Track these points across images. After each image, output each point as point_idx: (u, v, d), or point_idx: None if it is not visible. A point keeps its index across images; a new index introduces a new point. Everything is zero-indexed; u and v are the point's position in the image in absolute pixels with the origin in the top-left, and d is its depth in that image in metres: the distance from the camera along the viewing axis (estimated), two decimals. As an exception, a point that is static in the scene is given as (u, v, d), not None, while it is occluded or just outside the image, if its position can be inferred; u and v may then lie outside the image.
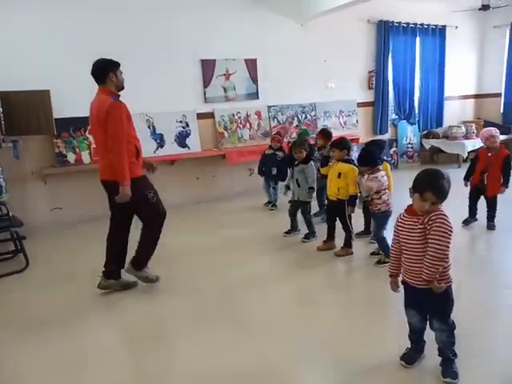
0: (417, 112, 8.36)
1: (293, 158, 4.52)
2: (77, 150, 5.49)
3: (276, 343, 2.68)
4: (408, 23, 7.80)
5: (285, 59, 6.74)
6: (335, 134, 5.87)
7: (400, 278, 2.36)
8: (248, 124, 6.67)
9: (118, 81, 3.25)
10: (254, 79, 6.60)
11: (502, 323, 2.81)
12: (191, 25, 6.01)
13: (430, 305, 2.24)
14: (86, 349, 2.74)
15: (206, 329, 2.89)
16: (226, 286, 3.54)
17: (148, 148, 5.49)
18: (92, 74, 3.21)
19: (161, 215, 3.42)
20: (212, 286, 3.53)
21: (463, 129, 8.13)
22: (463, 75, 8.81)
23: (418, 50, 8.14)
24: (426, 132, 8.50)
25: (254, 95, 6.66)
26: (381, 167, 3.72)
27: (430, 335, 2.34)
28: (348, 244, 4.05)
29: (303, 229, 4.59)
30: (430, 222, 2.08)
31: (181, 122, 6.16)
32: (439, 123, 8.56)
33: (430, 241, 2.08)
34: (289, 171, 4.97)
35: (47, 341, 2.85)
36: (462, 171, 4.76)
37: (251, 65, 6.54)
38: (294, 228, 4.67)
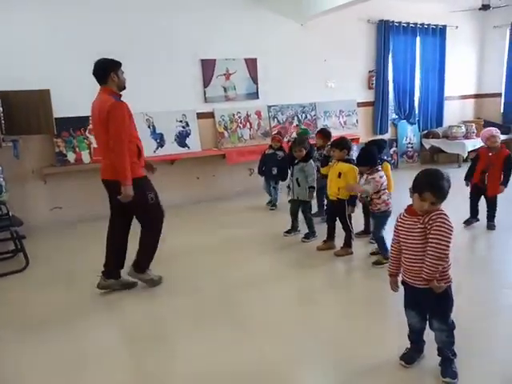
0: (417, 112, 8.36)
1: (293, 157, 4.52)
2: (77, 149, 5.49)
3: (276, 343, 2.68)
4: (408, 23, 7.79)
5: (285, 59, 6.73)
6: (335, 134, 5.87)
7: (400, 278, 2.36)
8: (248, 124, 6.66)
9: (120, 81, 3.25)
10: (254, 79, 6.59)
11: (502, 323, 2.81)
12: (191, 24, 6.01)
13: (430, 305, 2.24)
14: (86, 348, 2.74)
15: (206, 328, 2.90)
16: (226, 285, 3.54)
17: (148, 148, 5.47)
18: (93, 73, 3.21)
19: (159, 217, 3.42)
20: (212, 286, 3.54)
21: (463, 129, 8.13)
22: (463, 75, 8.81)
23: (418, 50, 8.13)
24: (426, 132, 8.50)
25: (254, 95, 6.66)
26: (380, 167, 3.72)
27: (429, 335, 2.34)
28: (348, 244, 4.05)
29: (303, 228, 4.59)
30: (431, 222, 2.08)
31: (181, 121, 6.16)
32: (439, 123, 8.55)
33: (430, 240, 2.08)
34: (289, 171, 4.97)
35: (47, 340, 2.85)
36: (462, 171, 4.76)
37: (251, 65, 6.53)
38: (294, 228, 4.67)
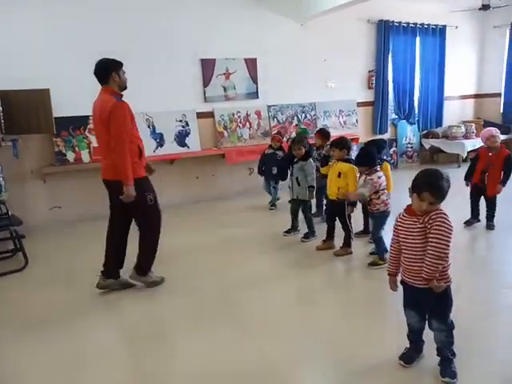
0: (416, 112, 8.36)
1: (292, 156, 4.52)
2: (76, 148, 5.48)
3: (276, 343, 2.68)
4: (408, 23, 7.79)
5: (285, 59, 6.73)
6: (335, 134, 5.88)
7: (399, 278, 2.36)
8: (248, 123, 6.66)
9: (121, 80, 3.25)
10: (254, 79, 6.59)
11: (501, 323, 2.81)
12: (191, 24, 6.01)
13: (429, 304, 2.24)
14: (85, 348, 2.74)
15: (206, 328, 2.90)
16: (226, 285, 3.54)
17: (147, 147, 5.44)
18: (95, 73, 3.20)
19: (157, 219, 3.41)
20: (212, 286, 3.53)
21: (463, 129, 8.13)
22: (463, 75, 8.81)
23: (418, 50, 8.13)
24: (425, 132, 8.50)
25: (254, 95, 6.65)
26: (378, 168, 3.70)
27: (428, 335, 2.34)
28: (347, 244, 4.05)
29: (303, 228, 4.59)
30: (431, 221, 2.08)
31: (180, 121, 6.15)
32: (439, 123, 8.55)
33: (430, 240, 2.08)
34: (288, 171, 4.96)
35: (47, 340, 2.85)
36: (462, 171, 4.76)
37: (251, 64, 6.53)
38: (293, 228, 4.67)
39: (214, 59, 6.25)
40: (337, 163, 4.01)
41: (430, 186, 2.07)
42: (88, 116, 5.41)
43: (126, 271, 3.51)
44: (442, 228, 2.05)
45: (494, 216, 4.56)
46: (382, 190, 3.64)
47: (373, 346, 2.58)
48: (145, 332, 2.94)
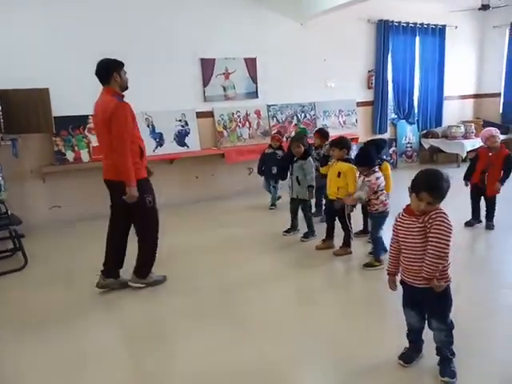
0: (416, 111, 8.35)
1: (292, 155, 4.52)
2: (76, 148, 5.48)
3: (276, 343, 2.68)
4: (408, 23, 7.79)
5: (284, 58, 6.73)
6: (335, 134, 5.88)
7: (398, 278, 2.36)
8: (247, 123, 6.66)
9: (122, 81, 3.25)
10: (254, 78, 6.59)
11: (501, 323, 2.82)
12: (191, 24, 6.00)
13: (429, 304, 2.24)
14: (85, 348, 2.74)
15: (206, 328, 2.90)
16: (226, 285, 3.53)
17: (147, 147, 5.42)
18: (96, 74, 3.20)
19: (155, 221, 3.41)
20: (212, 286, 3.53)
21: (462, 128, 8.13)
22: (463, 75, 8.81)
23: (418, 50, 8.13)
24: (425, 132, 8.50)
25: (254, 94, 6.65)
26: (377, 168, 3.69)
27: (428, 334, 2.34)
28: (347, 243, 4.05)
29: (302, 228, 4.59)
30: (431, 221, 2.08)
31: (180, 120, 6.15)
32: (438, 123, 8.56)
33: (430, 239, 2.08)
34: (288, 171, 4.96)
35: (47, 339, 2.85)
36: (461, 171, 4.76)
37: (251, 64, 6.53)
38: (293, 227, 4.67)
39: (214, 59, 6.25)
40: (336, 163, 4.01)
41: (429, 186, 2.07)
42: (87, 115, 5.42)
43: (126, 270, 3.50)
44: (442, 227, 2.06)
45: (493, 216, 4.57)
46: (381, 190, 3.64)
47: (372, 346, 2.58)
48: (145, 332, 2.94)
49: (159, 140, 6.03)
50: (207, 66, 6.21)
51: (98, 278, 3.44)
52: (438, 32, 8.18)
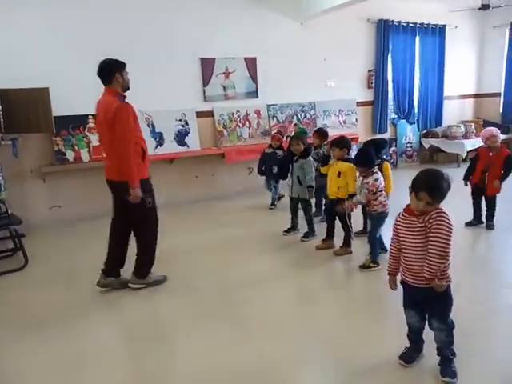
0: (416, 111, 8.35)
1: (292, 154, 4.52)
2: (76, 148, 5.47)
3: (276, 343, 2.68)
4: (408, 22, 7.79)
5: (284, 58, 6.72)
6: (335, 133, 5.89)
7: (398, 278, 2.36)
8: (247, 123, 6.65)
9: (124, 81, 3.25)
10: (254, 78, 6.58)
11: (501, 323, 2.82)
12: (191, 23, 5.99)
13: (430, 304, 2.24)
14: (85, 348, 2.74)
15: (206, 328, 2.89)
16: (226, 285, 3.53)
17: (147, 146, 5.47)
18: (98, 74, 3.20)
19: (153, 221, 3.41)
20: (212, 286, 3.53)
21: (462, 128, 8.13)
22: (463, 75, 8.81)
23: (418, 50, 8.13)
24: (425, 131, 8.49)
25: (254, 94, 6.65)
26: (376, 169, 3.65)
27: (428, 334, 2.34)
28: (347, 243, 4.05)
29: (303, 228, 4.58)
30: (431, 221, 2.08)
31: (180, 120, 6.14)
32: (438, 123, 8.55)
33: (431, 239, 2.08)
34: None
35: (47, 339, 2.84)
36: (462, 171, 4.75)
37: (251, 63, 6.52)
38: (293, 227, 4.67)
39: (214, 58, 6.24)
40: (337, 162, 4.01)
41: (428, 186, 2.07)
42: (87, 115, 5.43)
43: (127, 270, 3.50)
44: (442, 227, 2.05)
45: (493, 216, 4.57)
46: (380, 191, 3.61)
47: (373, 346, 2.58)
48: (145, 332, 2.93)
49: (159, 139, 6.02)
50: (207, 66, 6.21)
51: (98, 277, 3.44)
52: (438, 32, 8.17)
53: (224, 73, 6.35)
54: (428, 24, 8.02)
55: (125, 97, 3.24)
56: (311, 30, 6.88)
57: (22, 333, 2.94)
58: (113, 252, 3.45)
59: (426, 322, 2.32)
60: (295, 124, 7.00)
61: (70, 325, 3.01)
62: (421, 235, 2.12)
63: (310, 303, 3.25)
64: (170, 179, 5.93)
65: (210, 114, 6.39)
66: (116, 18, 5.50)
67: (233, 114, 6.53)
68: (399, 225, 2.25)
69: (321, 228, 4.42)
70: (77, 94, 5.18)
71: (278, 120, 6.89)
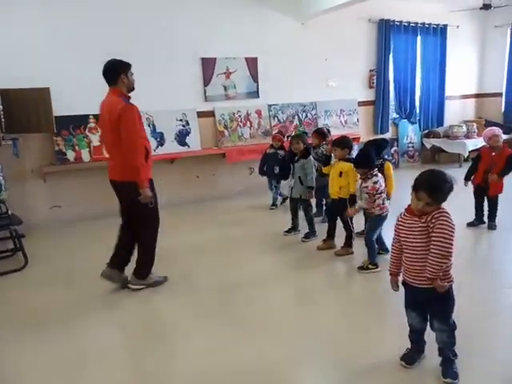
0: (418, 111, 8.33)
1: (294, 154, 4.51)
2: (76, 148, 5.46)
3: (276, 343, 2.67)
4: (409, 22, 7.77)
5: (285, 58, 6.72)
6: (336, 133, 5.88)
7: (400, 278, 2.35)
8: (248, 123, 6.64)
9: (129, 82, 3.25)
10: (255, 78, 6.57)
11: (503, 323, 2.81)
12: (191, 23, 5.98)
13: (431, 305, 2.23)
14: (85, 348, 2.73)
15: (206, 328, 2.89)
16: (226, 285, 3.52)
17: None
18: (103, 74, 3.20)
19: (154, 222, 3.40)
20: (212, 286, 3.52)
21: (464, 128, 8.10)
22: (464, 74, 8.79)
23: (419, 49, 8.11)
24: (426, 131, 8.47)
25: (255, 94, 6.64)
26: (376, 171, 3.61)
27: (430, 335, 2.33)
28: (348, 243, 4.03)
29: (303, 228, 4.57)
30: (433, 221, 2.07)
31: (181, 120, 6.14)
32: (440, 122, 8.53)
33: (433, 239, 2.07)
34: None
35: (47, 340, 2.84)
36: (463, 171, 4.73)
37: (252, 63, 6.52)
38: (294, 227, 4.66)
39: (215, 58, 6.24)
40: (338, 162, 3.99)
41: (428, 186, 2.06)
42: (88, 115, 5.43)
43: (127, 270, 3.50)
44: (445, 226, 2.04)
45: (495, 216, 4.55)
46: (379, 193, 3.58)
47: (373, 347, 2.57)
48: (145, 332, 2.93)
49: (160, 139, 6.01)
50: (208, 66, 6.20)
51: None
52: (440, 31, 8.16)
53: (225, 73, 6.34)
54: (429, 24, 8.00)
55: (129, 97, 3.25)
56: (312, 30, 6.87)
57: (21, 333, 2.93)
58: (121, 247, 3.45)
59: (428, 323, 2.30)
60: (296, 124, 6.97)
61: (70, 325, 3.00)
62: (422, 235, 2.11)
63: (310, 303, 3.24)
64: (170, 179, 5.91)
65: (211, 113, 6.38)
66: (116, 18, 5.50)
67: (234, 113, 6.52)
68: (401, 225, 2.24)
69: (321, 228, 4.41)
70: (77, 93, 5.18)
71: (278, 120, 6.88)
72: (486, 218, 4.64)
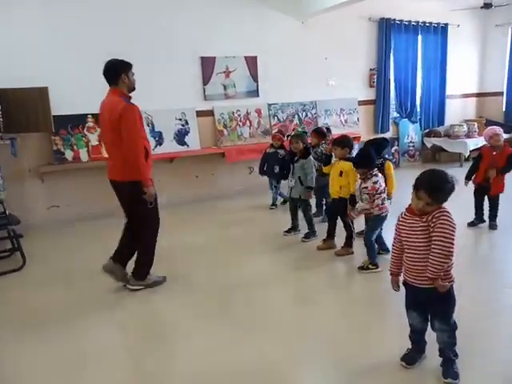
0: (418, 110, 8.31)
1: (294, 154, 4.49)
2: (75, 147, 5.43)
3: (276, 343, 2.66)
4: (410, 21, 7.75)
5: (285, 57, 6.69)
6: (337, 133, 5.85)
7: (401, 279, 2.33)
8: (248, 122, 6.62)
9: (130, 82, 3.24)
10: (254, 77, 6.55)
11: (503, 323, 2.79)
12: (191, 22, 5.96)
13: (432, 305, 2.22)
14: (85, 348, 2.72)
15: (206, 328, 2.87)
16: (226, 285, 3.51)
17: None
18: (104, 74, 3.18)
19: (154, 222, 3.39)
20: (212, 286, 3.51)
21: (465, 127, 8.08)
22: (465, 74, 8.77)
23: (420, 48, 8.10)
24: (427, 130, 8.46)
25: (254, 93, 6.61)
26: (376, 171, 3.58)
27: (431, 335, 2.31)
28: (349, 243, 4.01)
29: (303, 228, 4.55)
30: (434, 220, 2.06)
31: (180, 119, 6.11)
32: (441, 122, 8.51)
33: (434, 238, 2.05)
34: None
35: (47, 339, 2.83)
36: (464, 170, 4.71)
37: (251, 62, 6.49)
38: (294, 227, 4.63)
39: (214, 57, 6.21)
40: (338, 162, 3.97)
41: (428, 186, 2.04)
42: (86, 114, 5.41)
43: (128, 268, 3.49)
44: (446, 226, 2.03)
45: (496, 216, 4.53)
46: (379, 194, 3.55)
47: (374, 347, 2.56)
48: (145, 332, 2.92)
49: (159, 139, 5.98)
50: (207, 65, 6.18)
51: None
52: (440, 30, 8.14)
53: (224, 72, 6.32)
54: (430, 23, 7.98)
55: (130, 97, 3.24)
56: (312, 29, 6.85)
57: (21, 333, 2.92)
58: (124, 243, 3.44)
59: (429, 323, 2.29)
60: (296, 123, 6.95)
61: (70, 325, 2.99)
62: (424, 235, 2.10)
63: (310, 303, 3.22)
64: (169, 179, 5.90)
65: (210, 113, 6.36)
66: (116, 18, 5.48)
67: (233, 113, 6.50)
68: (402, 224, 2.23)
69: (321, 228, 4.39)
70: (76, 93, 5.17)
71: (278, 119, 6.86)
72: (485, 217, 4.62)
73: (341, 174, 3.89)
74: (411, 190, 2.13)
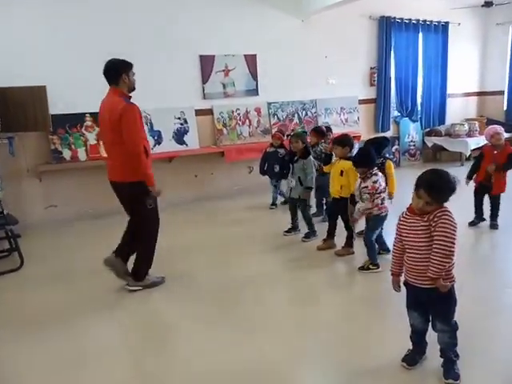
0: (419, 109, 8.28)
1: (294, 154, 4.46)
2: (73, 146, 5.40)
3: (276, 343, 2.64)
4: (410, 19, 7.72)
5: (285, 55, 6.67)
6: (337, 131, 5.82)
7: (402, 279, 2.32)
8: (247, 121, 6.59)
9: (130, 82, 3.23)
10: (254, 75, 6.52)
11: (504, 322, 2.78)
12: (191, 21, 5.94)
13: (433, 305, 2.20)
14: (85, 347, 2.71)
15: (206, 328, 2.86)
16: (226, 285, 3.49)
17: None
18: (104, 74, 3.17)
19: (155, 223, 3.37)
20: (211, 285, 3.49)
21: (466, 127, 8.06)
22: (466, 72, 8.75)
23: (421, 47, 8.07)
24: (428, 130, 8.43)
25: (254, 91, 6.58)
26: (376, 170, 3.54)
27: (431, 336, 2.29)
28: (349, 243, 3.99)
29: (303, 228, 4.52)
30: (435, 219, 2.04)
31: (179, 118, 6.08)
32: (442, 121, 8.49)
33: (436, 238, 2.03)
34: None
35: (46, 339, 2.82)
36: (465, 169, 4.70)
37: (251, 61, 6.46)
38: (294, 227, 4.61)
39: (213, 55, 6.18)
40: (339, 161, 3.94)
41: (428, 186, 2.03)
42: (85, 113, 5.38)
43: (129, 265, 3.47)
44: (447, 225, 2.01)
45: (497, 215, 4.50)
46: (378, 193, 3.52)
47: (374, 347, 2.54)
48: (145, 332, 2.91)
49: (158, 138, 5.95)
50: (206, 63, 6.15)
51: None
52: (441, 29, 8.11)
53: (223, 70, 6.29)
54: (431, 21, 7.96)
55: (130, 97, 3.22)
56: (312, 27, 6.82)
57: (20, 333, 2.90)
58: (126, 240, 3.43)
59: (430, 323, 2.27)
60: (296, 122, 6.92)
61: (69, 325, 2.98)
62: (425, 234, 2.08)
63: (310, 303, 3.20)
64: (168, 178, 5.86)
65: (210, 112, 6.33)
66: (116, 18, 5.47)
67: (232, 111, 6.47)
68: (403, 224, 2.21)
69: (322, 228, 4.36)
70: (74, 92, 5.16)
71: (278, 118, 6.83)
72: (485, 216, 4.59)
73: (341, 173, 3.86)
74: (412, 189, 2.11)
